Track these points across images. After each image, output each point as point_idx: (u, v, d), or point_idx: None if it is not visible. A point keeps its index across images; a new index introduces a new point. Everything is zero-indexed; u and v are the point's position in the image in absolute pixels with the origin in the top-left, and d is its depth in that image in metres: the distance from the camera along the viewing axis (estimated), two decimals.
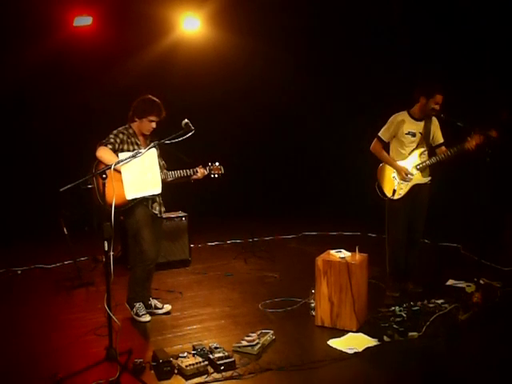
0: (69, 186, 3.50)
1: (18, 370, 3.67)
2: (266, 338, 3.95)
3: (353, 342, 3.95)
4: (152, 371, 3.55)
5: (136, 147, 4.35)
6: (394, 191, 4.79)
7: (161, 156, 4.52)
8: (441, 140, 4.86)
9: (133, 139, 4.40)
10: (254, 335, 3.96)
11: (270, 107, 8.60)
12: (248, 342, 3.87)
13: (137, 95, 4.45)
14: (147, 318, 4.50)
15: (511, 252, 5.72)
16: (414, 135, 4.76)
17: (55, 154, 7.69)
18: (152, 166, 4.23)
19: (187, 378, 3.46)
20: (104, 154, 4.22)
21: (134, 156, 3.91)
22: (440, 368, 3.57)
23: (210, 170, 4.60)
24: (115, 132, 4.37)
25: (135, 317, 4.50)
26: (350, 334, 4.12)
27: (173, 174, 4.48)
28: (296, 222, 8.22)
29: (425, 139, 4.78)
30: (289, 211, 8.74)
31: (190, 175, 4.53)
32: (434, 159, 4.73)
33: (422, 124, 4.78)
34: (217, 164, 4.63)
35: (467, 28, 6.71)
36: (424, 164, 4.76)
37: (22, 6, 6.75)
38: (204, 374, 3.50)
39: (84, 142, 4.64)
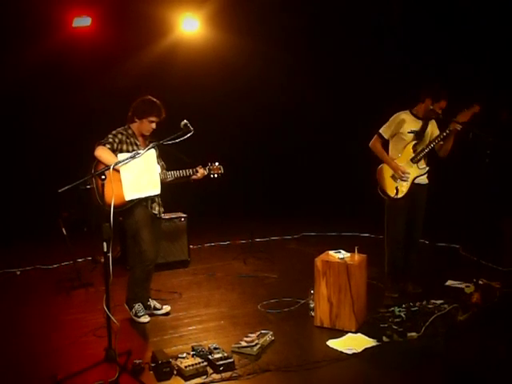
0: (68, 186, 3.49)
1: (17, 370, 3.67)
2: (265, 338, 3.95)
3: (352, 343, 3.95)
4: (151, 372, 3.55)
5: (135, 148, 4.35)
6: (397, 190, 4.79)
7: (160, 156, 4.52)
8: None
9: (132, 139, 4.40)
10: (254, 336, 3.96)
11: (270, 107, 8.59)
12: (247, 342, 3.87)
13: (136, 96, 4.45)
14: (146, 318, 4.49)
15: (510, 253, 5.71)
16: (415, 134, 4.79)
17: (55, 154, 7.68)
18: (151, 166, 4.23)
19: (186, 378, 3.46)
20: (102, 153, 4.21)
21: (133, 157, 3.89)
22: (440, 368, 3.58)
23: (209, 170, 4.60)
24: (114, 132, 4.36)
25: (134, 317, 4.50)
26: (349, 334, 4.12)
27: (172, 174, 4.47)
28: (295, 223, 8.21)
29: (424, 137, 4.80)
30: (288, 211, 8.73)
31: (190, 175, 4.53)
32: (426, 148, 4.74)
33: (422, 123, 4.82)
34: (216, 164, 4.64)
35: (467, 28, 6.71)
36: (418, 156, 4.76)
37: (21, 6, 6.76)
38: (203, 375, 3.50)
39: (84, 142, 4.63)
